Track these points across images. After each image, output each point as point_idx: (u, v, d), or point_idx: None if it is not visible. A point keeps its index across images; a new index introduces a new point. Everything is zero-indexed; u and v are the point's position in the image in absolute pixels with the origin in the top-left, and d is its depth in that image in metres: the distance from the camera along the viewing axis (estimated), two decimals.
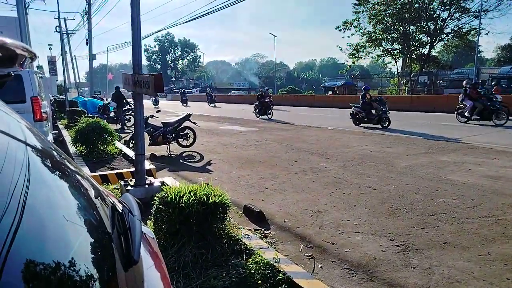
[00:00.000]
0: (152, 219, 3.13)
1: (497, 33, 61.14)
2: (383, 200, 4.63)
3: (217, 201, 2.97)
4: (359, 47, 37.09)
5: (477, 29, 30.63)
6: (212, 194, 3.01)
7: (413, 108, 20.05)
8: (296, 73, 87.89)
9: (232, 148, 9.03)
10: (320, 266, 3.01)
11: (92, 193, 0.94)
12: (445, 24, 33.82)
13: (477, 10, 30.94)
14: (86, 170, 5.74)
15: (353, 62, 39.98)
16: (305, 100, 31.67)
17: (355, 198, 4.76)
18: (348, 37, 37.64)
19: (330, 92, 42.21)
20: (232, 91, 62.87)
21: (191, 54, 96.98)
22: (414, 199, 4.64)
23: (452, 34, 34.44)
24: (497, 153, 7.43)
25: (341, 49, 38.88)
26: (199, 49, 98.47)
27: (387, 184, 5.38)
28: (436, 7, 33.71)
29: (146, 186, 4.54)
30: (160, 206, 3.00)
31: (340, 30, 37.32)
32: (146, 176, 4.77)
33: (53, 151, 0.97)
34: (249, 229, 3.65)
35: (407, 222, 3.87)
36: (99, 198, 0.96)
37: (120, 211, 0.97)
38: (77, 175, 0.95)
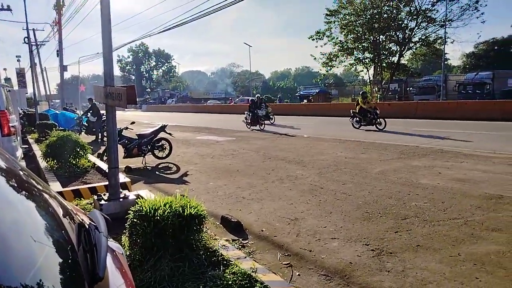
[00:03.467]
0: (127, 233, 3.06)
1: (462, 41, 64.04)
2: (358, 206, 4.72)
3: (193, 213, 2.94)
4: (332, 56, 37.97)
5: (443, 38, 32.00)
6: (188, 206, 2.98)
7: (385, 115, 20.61)
8: (272, 82, 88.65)
9: (209, 158, 8.99)
10: (297, 273, 3.02)
11: (60, 211, 0.92)
12: (413, 33, 35.18)
13: (443, 20, 32.38)
14: (57, 185, 5.56)
15: (327, 71, 40.91)
16: (281, 108, 31.96)
17: (331, 205, 4.83)
18: (321, 46, 38.38)
19: (305, 101, 42.77)
20: (209, 101, 62.70)
21: (166, 64, 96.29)
22: (387, 203, 4.76)
23: (420, 43, 35.86)
24: (465, 156, 7.74)
25: (315, 58, 39.69)
26: (174, 59, 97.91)
27: (362, 190, 5.49)
28: (404, 17, 35.07)
29: (121, 200, 4.44)
30: (135, 220, 2.95)
31: (313, 39, 38.12)
32: (121, 190, 4.67)
33: (19, 171, 0.95)
34: (226, 240, 3.63)
35: (381, 227, 3.96)
36: (67, 216, 0.94)
37: (87, 228, 0.96)
38: (44, 194, 0.94)
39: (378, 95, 36.78)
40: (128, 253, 2.96)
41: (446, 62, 39.71)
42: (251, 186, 6.02)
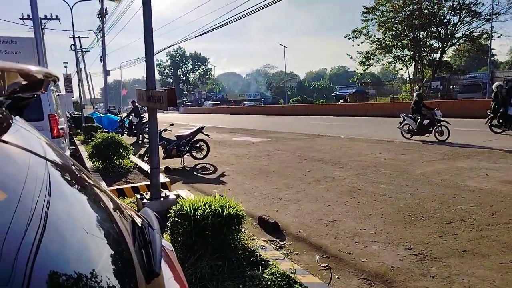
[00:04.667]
0: (169, 232, 3.16)
1: (510, 35, 60.31)
2: (399, 209, 4.57)
3: (232, 213, 2.98)
4: (369, 55, 37.04)
5: (489, 33, 30.27)
6: (227, 206, 3.03)
7: None
8: (307, 83, 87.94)
9: (245, 159, 9.06)
10: (337, 276, 2.98)
11: (111, 206, 0.97)
12: (456, 29, 33.55)
13: (488, 14, 30.63)
14: (102, 185, 5.84)
15: (364, 70, 39.93)
16: (316, 109, 31.63)
17: (370, 207, 4.71)
18: (358, 45, 37.48)
19: (341, 101, 42.06)
20: (244, 102, 63.27)
21: (202, 67, 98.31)
22: (430, 206, 4.57)
23: (464, 39, 34.10)
24: None
25: (351, 57, 38.94)
26: (210, 62, 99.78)
27: (403, 192, 5.31)
28: (446, 12, 33.52)
29: (162, 199, 4.59)
30: (176, 219, 3.04)
31: (349, 38, 37.38)
32: (161, 189, 4.82)
33: (72, 166, 1.00)
34: (264, 240, 3.65)
35: (424, 230, 3.81)
36: (117, 211, 0.99)
37: (140, 225, 1.00)
38: (95, 189, 0.99)
39: None
40: None
41: (492, 58, 37.52)
42: (287, 187, 6.00)
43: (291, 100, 59.40)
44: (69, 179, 0.92)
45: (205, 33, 18.38)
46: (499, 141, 9.54)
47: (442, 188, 5.39)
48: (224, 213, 2.96)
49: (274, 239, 3.85)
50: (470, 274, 2.87)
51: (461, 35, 33.94)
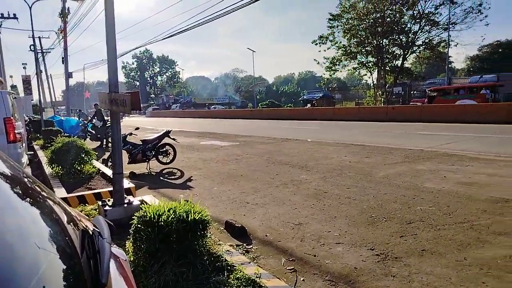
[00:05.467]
0: (131, 239, 3.07)
1: (466, 44, 63.95)
2: (362, 210, 4.70)
3: (197, 218, 2.94)
4: (335, 61, 38.08)
5: (447, 41, 31.96)
6: (192, 211, 2.99)
7: (389, 119, 20.58)
8: (275, 87, 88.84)
9: (213, 163, 9.00)
10: (302, 279, 3.01)
11: (64, 218, 0.93)
12: (416, 37, 35.20)
13: (446, 23, 32.35)
14: (62, 191, 5.59)
15: (330, 75, 40.97)
16: (285, 113, 32.00)
17: (335, 209, 4.81)
18: (325, 50, 38.41)
19: (309, 105, 42.79)
20: (212, 106, 62.96)
21: (170, 70, 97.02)
22: (392, 208, 4.73)
23: (424, 46, 35.85)
24: (470, 159, 7.69)
25: (318, 63, 39.86)
26: (177, 65, 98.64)
27: (366, 194, 5.46)
28: (407, 21, 35.08)
29: (125, 205, 4.46)
30: (139, 226, 2.95)
31: (316, 44, 38.28)
32: (125, 195, 4.68)
33: (24, 178, 0.95)
34: (230, 245, 3.63)
35: (386, 231, 3.94)
36: (71, 223, 0.95)
37: (91, 234, 0.96)
38: (48, 201, 0.94)
39: (382, 99, 36.73)
40: (132, 258, 2.97)
41: (450, 65, 39.59)
42: (255, 191, 6.01)
43: (260, 104, 59.73)
44: (20, 192, 0.88)
45: (173, 35, 18.13)
46: (456, 145, 10.06)
47: (403, 189, 5.59)
48: (189, 219, 2.92)
49: (241, 243, 3.84)
50: (429, 273, 2.99)
51: (421, 43, 35.67)
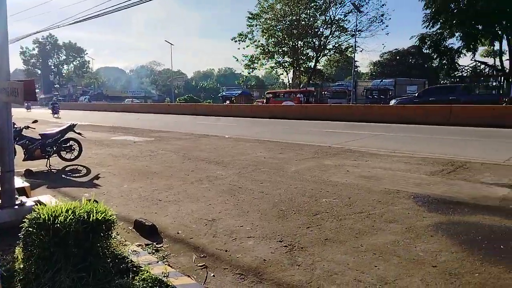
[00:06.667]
0: (21, 244, 2.74)
1: (369, 50, 70.67)
2: (274, 204, 4.87)
3: (100, 218, 2.74)
4: (253, 59, 38.92)
5: (353, 47, 34.86)
6: (94, 211, 2.77)
7: (303, 117, 21.73)
8: (195, 82, 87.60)
9: (124, 159, 8.51)
10: (212, 275, 3.01)
11: None
12: (328, 41, 37.76)
13: (353, 30, 35.27)
14: None
15: (249, 73, 41.83)
16: (203, 109, 31.74)
17: (248, 204, 4.91)
18: (244, 48, 39.09)
19: (228, 101, 43.07)
20: (126, 100, 59.61)
21: (78, 58, 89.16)
22: (301, 201, 4.99)
23: (334, 50, 38.63)
24: (370, 155, 8.50)
25: (237, 60, 40.40)
26: (87, 53, 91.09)
27: (278, 188, 5.68)
28: (319, 25, 37.39)
29: (16, 207, 3.97)
30: (30, 229, 2.65)
31: (235, 41, 38.63)
32: (17, 196, 4.18)
33: None
34: (139, 245, 3.46)
35: (294, 223, 4.14)
36: None
37: None
38: None
39: None
40: (21, 266, 2.65)
41: (356, 69, 43.31)
42: (168, 188, 5.84)
43: (178, 99, 58.34)
44: None
45: (81, 21, 16.66)
46: (359, 142, 11.03)
47: (312, 183, 5.94)
48: (91, 219, 2.70)
49: (151, 242, 3.69)
50: (330, 260, 3.21)
51: (332, 47, 38.40)
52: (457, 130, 14.13)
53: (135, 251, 3.08)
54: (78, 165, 7.87)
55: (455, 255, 3.27)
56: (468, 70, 35.53)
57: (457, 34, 31.36)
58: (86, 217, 2.70)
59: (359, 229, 3.92)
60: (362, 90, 34.01)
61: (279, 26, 36.79)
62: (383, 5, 36.28)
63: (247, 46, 38.89)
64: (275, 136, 12.78)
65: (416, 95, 23.72)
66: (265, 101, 34.46)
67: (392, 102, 24.34)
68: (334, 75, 54.82)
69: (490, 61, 36.56)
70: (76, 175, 7.09)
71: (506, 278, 2.83)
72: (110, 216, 2.84)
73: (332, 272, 2.99)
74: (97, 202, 3.07)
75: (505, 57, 32.02)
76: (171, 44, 53.18)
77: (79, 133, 8.25)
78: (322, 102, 35.79)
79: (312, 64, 38.95)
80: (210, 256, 3.36)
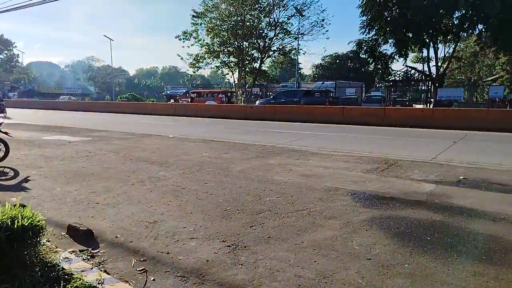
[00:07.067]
0: None
1: (312, 53, 73.63)
2: (218, 204, 4.85)
3: (26, 224, 2.53)
4: (198, 58, 38.42)
5: (297, 49, 35.91)
6: (20, 217, 2.55)
7: (248, 117, 21.90)
8: (137, 80, 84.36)
9: (57, 161, 7.93)
10: (152, 279, 2.91)
11: None
12: (272, 43, 38.43)
13: (296, 33, 36.30)
14: None
15: (194, 72, 41.23)
16: (147, 107, 30.68)
17: (192, 205, 4.83)
18: (188, 47, 38.65)
19: (172, 100, 42.08)
20: (62, 97, 55.75)
21: (6, 52, 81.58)
22: (245, 200, 5.02)
23: (278, 52, 39.41)
24: (312, 154, 8.80)
25: (182, 58, 39.81)
26: (16, 46, 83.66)
27: (223, 188, 5.66)
28: (264, 27, 37.93)
29: None
30: None
31: (180, 39, 37.85)
32: None
33: None
34: (72, 251, 3.25)
35: (238, 223, 4.15)
36: None
37: None
38: None
39: (242, 98, 38.84)
40: None
41: (299, 71, 44.64)
42: (107, 190, 5.55)
43: (119, 97, 55.77)
44: None
45: (7, 10, 15.23)
46: (302, 141, 11.37)
47: (256, 182, 6.01)
48: (16, 226, 2.48)
49: (86, 248, 3.48)
50: (272, 257, 3.27)
51: (276, 49, 39.13)
52: (391, 130, 15.16)
53: (67, 258, 2.88)
54: (4, 167, 7.18)
55: (387, 247, 3.49)
56: (400, 74, 38.25)
57: (390, 41, 33.59)
58: (10, 224, 2.47)
59: (301, 226, 4.04)
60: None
61: (224, 26, 36.69)
62: (323, 10, 37.94)
63: (192, 45, 38.33)
64: (221, 136, 12.73)
65: (272, 97, 30.21)
66: (189, 100, 36.64)
67: (257, 102, 30.49)
68: (278, 77, 56.01)
69: (420, 66, 39.62)
70: (1, 178, 6.48)
71: (431, 267, 3.08)
72: (39, 221, 2.64)
73: (274, 269, 3.05)
74: (24, 206, 2.83)
75: (432, 63, 34.99)
76: (110, 39, 50.76)
77: (5, 133, 7.54)
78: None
79: (257, 65, 39.39)
80: (150, 260, 3.25)
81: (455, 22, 31.53)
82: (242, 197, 5.18)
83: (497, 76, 45.16)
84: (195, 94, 36.55)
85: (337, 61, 56.51)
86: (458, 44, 37.64)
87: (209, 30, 36.65)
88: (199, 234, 3.83)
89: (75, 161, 7.94)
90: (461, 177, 6.36)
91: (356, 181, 6.16)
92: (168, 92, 53.46)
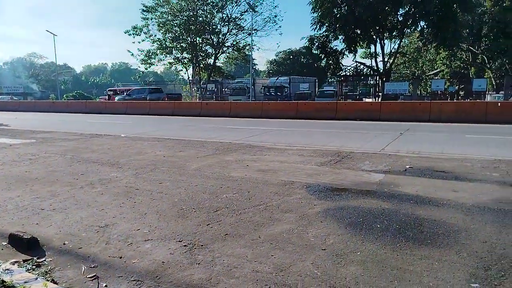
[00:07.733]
0: None
1: (266, 49, 74.22)
2: (173, 204, 4.74)
3: None
4: (150, 54, 37.28)
5: (250, 45, 36.01)
6: None
7: (203, 114, 21.65)
8: (85, 77, 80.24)
9: None
10: (104, 285, 2.78)
11: None
12: (226, 39, 38.22)
13: (249, 29, 36.36)
14: None
15: (146, 68, 39.93)
16: (96, 106, 29.30)
17: (146, 206, 4.68)
18: (139, 42, 37.15)
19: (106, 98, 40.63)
20: (0, 96, 51.71)
21: None
22: (202, 198, 4.96)
23: (232, 48, 39.27)
24: (268, 150, 8.89)
25: (132, 54, 38.45)
26: None
27: (179, 187, 5.55)
28: (217, 23, 37.58)
29: None
30: None
31: (130, 35, 36.47)
32: None
33: None
34: (14, 262, 3.02)
35: (194, 221, 4.09)
36: None
37: None
38: None
39: (197, 95, 38.31)
40: None
41: (254, 67, 44.87)
42: (53, 195, 5.23)
43: (65, 95, 52.75)
44: None
45: None
46: (258, 137, 11.44)
47: (213, 180, 5.96)
48: None
49: (31, 257, 3.25)
50: (229, 254, 3.26)
51: (230, 45, 38.96)
52: (343, 123, 15.72)
53: (8, 269, 2.67)
54: None
55: (341, 237, 3.61)
56: (351, 69, 39.73)
57: (340, 37, 34.76)
58: None
59: (258, 221, 4.06)
60: (260, 88, 35.39)
61: (176, 21, 35.86)
62: (276, 6, 38.28)
63: (142, 41, 37.07)
64: (176, 134, 12.46)
65: (126, 94, 34.22)
66: (107, 97, 38.68)
67: (116, 98, 33.43)
68: (233, 73, 55.91)
69: (368, 62, 41.38)
70: None
71: (381, 254, 3.23)
72: None
73: (231, 266, 3.04)
74: None
75: (380, 58, 36.69)
76: (54, 34, 47.75)
77: None
78: (223, 99, 36.19)
79: (211, 61, 38.99)
80: (102, 265, 3.11)
81: (400, 19, 33.27)
82: (198, 195, 5.11)
83: (438, 70, 48.44)
84: (112, 92, 39.05)
85: (291, 56, 57.47)
86: (403, 40, 39.75)
87: (161, 25, 35.63)
88: (154, 236, 3.72)
89: (17, 165, 7.40)
90: (407, 166, 6.74)
91: (310, 174, 6.30)
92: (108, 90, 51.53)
